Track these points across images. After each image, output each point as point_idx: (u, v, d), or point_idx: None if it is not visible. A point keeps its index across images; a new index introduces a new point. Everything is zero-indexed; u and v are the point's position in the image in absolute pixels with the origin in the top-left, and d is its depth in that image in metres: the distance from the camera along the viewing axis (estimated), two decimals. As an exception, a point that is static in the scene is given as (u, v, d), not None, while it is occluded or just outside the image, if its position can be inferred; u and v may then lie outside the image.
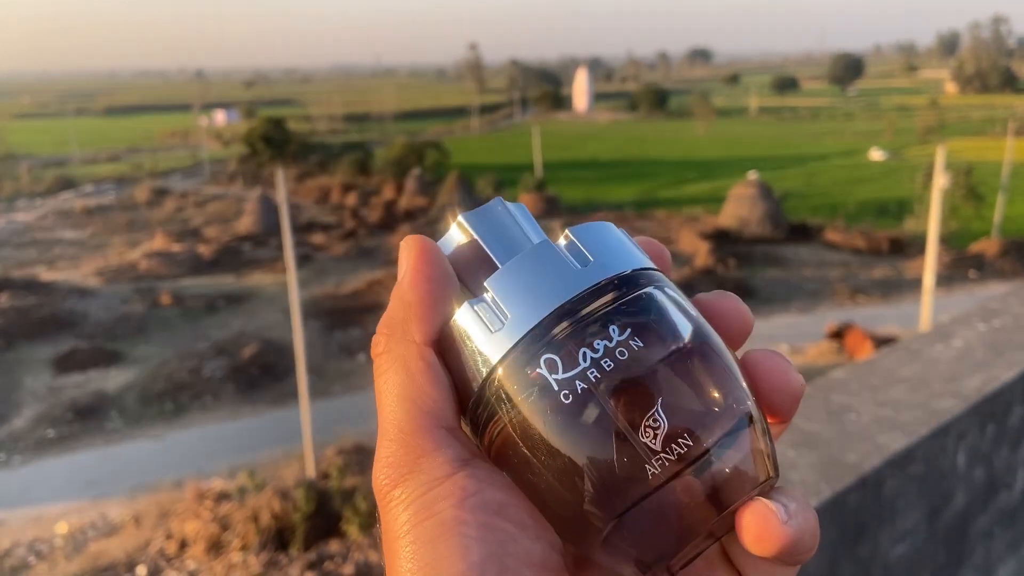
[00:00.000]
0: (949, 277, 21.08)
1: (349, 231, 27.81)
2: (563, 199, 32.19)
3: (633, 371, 0.36)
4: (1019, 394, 2.16)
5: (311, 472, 11.52)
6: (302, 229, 27.28)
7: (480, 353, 0.38)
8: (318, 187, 36.49)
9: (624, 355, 0.36)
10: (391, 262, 23.29)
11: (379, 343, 0.41)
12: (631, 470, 0.35)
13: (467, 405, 0.40)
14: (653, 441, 0.35)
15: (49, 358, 17.20)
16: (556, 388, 0.36)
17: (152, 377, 15.98)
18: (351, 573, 9.42)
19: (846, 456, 1.70)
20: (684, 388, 0.36)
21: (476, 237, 0.42)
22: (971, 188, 27.07)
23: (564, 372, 0.36)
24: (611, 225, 0.42)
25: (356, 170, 38.36)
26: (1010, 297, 2.76)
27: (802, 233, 26.46)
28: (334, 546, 10.08)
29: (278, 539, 10.17)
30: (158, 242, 27.14)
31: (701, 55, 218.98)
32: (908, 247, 24.34)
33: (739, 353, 0.40)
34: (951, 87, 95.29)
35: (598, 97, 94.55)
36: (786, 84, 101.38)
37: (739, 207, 27.05)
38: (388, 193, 34.23)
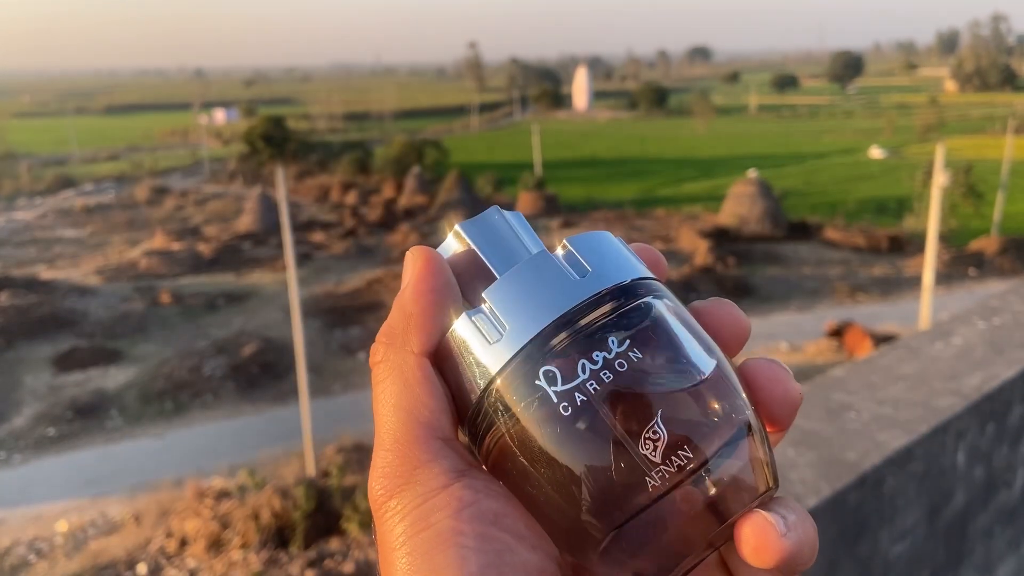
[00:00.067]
0: (948, 275, 21.08)
1: (349, 230, 27.80)
2: (563, 198, 32.18)
3: (632, 383, 0.36)
4: (1019, 392, 2.17)
5: (311, 470, 11.52)
6: (302, 228, 27.28)
7: (478, 364, 0.38)
8: (318, 186, 36.49)
9: (623, 367, 0.36)
10: (391, 261, 23.30)
11: (378, 352, 0.41)
12: (631, 482, 0.35)
13: (465, 415, 0.39)
14: (653, 453, 0.35)
15: (49, 357, 17.20)
16: (555, 400, 0.36)
17: (152, 376, 15.99)
18: (351, 571, 9.43)
19: (846, 454, 1.70)
20: (683, 399, 0.36)
21: (473, 247, 0.41)
22: (971, 186, 27.08)
23: (563, 384, 0.36)
24: (609, 234, 0.41)
25: (356, 169, 38.35)
26: (1010, 295, 2.76)
27: (802, 231, 26.45)
28: (334, 544, 10.09)
29: (278, 537, 10.18)
30: (158, 241, 27.13)
31: (701, 53, 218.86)
32: (907, 245, 24.34)
33: (738, 358, 0.41)
34: (951, 85, 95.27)
35: (598, 96, 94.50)
36: (786, 82, 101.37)
37: (739, 205, 27.04)
38: (388, 192, 34.23)
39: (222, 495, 11.07)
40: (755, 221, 26.45)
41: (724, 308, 0.42)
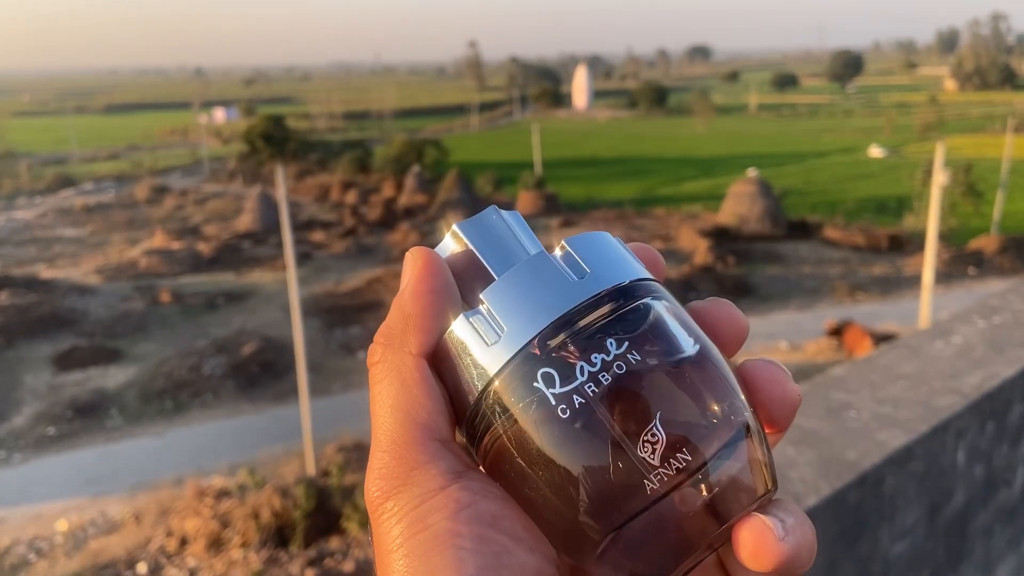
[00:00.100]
0: (948, 274, 21.08)
1: (349, 229, 27.80)
2: (562, 197, 32.17)
3: (631, 385, 0.36)
4: (1019, 391, 2.17)
5: (311, 469, 11.53)
6: (302, 227, 27.28)
7: (476, 365, 0.38)
8: (318, 185, 36.49)
9: (622, 369, 0.36)
10: (391, 260, 23.30)
11: (375, 352, 0.41)
12: (629, 484, 0.35)
13: (463, 417, 0.39)
14: (652, 456, 0.35)
15: (49, 356, 17.20)
16: (553, 402, 0.36)
17: (152, 375, 15.99)
18: (351, 570, 9.43)
19: (846, 454, 1.70)
20: (683, 401, 0.36)
21: (471, 247, 0.41)
22: (970, 185, 27.08)
23: (561, 386, 0.36)
24: (607, 235, 0.41)
25: (356, 168, 38.35)
26: (1010, 294, 2.76)
27: (801, 230, 26.46)
28: (334, 543, 10.10)
29: (278, 536, 10.18)
30: (158, 240, 27.13)
31: (701, 52, 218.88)
32: (907, 244, 24.34)
33: (736, 358, 0.41)
34: (950, 84, 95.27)
35: (597, 95, 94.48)
36: (786, 81, 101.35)
37: (738, 204, 27.05)
38: (388, 191, 34.22)
39: (222, 494, 11.07)
40: (755, 220, 26.46)
41: (722, 308, 0.42)
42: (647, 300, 0.39)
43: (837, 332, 16.43)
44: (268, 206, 28.21)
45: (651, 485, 0.35)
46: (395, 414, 0.38)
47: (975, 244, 23.58)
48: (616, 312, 0.38)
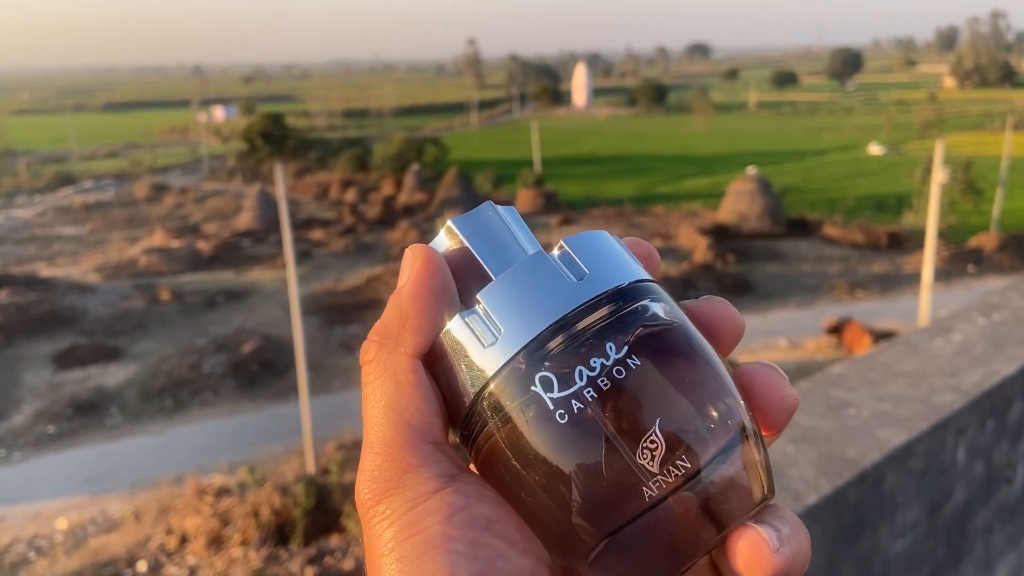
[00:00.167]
0: (947, 272, 21.10)
1: (348, 227, 27.81)
2: (562, 195, 32.17)
3: (630, 391, 0.35)
4: (1019, 389, 2.17)
5: (311, 467, 11.53)
6: (301, 225, 27.28)
7: (472, 367, 0.37)
8: (317, 183, 36.49)
9: (621, 374, 0.35)
10: (390, 258, 23.30)
11: (369, 350, 0.40)
12: (627, 490, 0.35)
13: (457, 418, 0.39)
14: (651, 463, 0.35)
15: (49, 354, 17.21)
16: (551, 407, 0.35)
17: (152, 373, 15.99)
18: (351, 568, 9.44)
19: (846, 451, 1.70)
20: (682, 407, 0.36)
21: (467, 244, 0.40)
22: (970, 183, 27.09)
23: (560, 391, 0.35)
24: (606, 234, 0.40)
25: (355, 166, 38.35)
26: (1010, 291, 2.76)
27: (801, 228, 26.47)
28: (334, 541, 10.10)
29: (278, 534, 10.19)
30: (157, 238, 27.13)
31: (700, 50, 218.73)
32: (907, 242, 24.35)
33: (736, 357, 0.41)
34: (950, 82, 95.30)
35: (597, 92, 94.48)
36: (785, 79, 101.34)
37: (738, 202, 27.05)
38: (387, 189, 34.24)
39: (222, 492, 11.08)
40: (754, 218, 26.46)
41: (718, 306, 0.41)
42: (646, 303, 0.38)
43: (836, 330, 16.44)
44: (267, 204, 28.21)
45: (649, 492, 0.35)
46: (388, 415, 0.38)
47: (974, 242, 23.59)
48: (615, 315, 0.37)
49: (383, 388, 0.38)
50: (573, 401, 0.35)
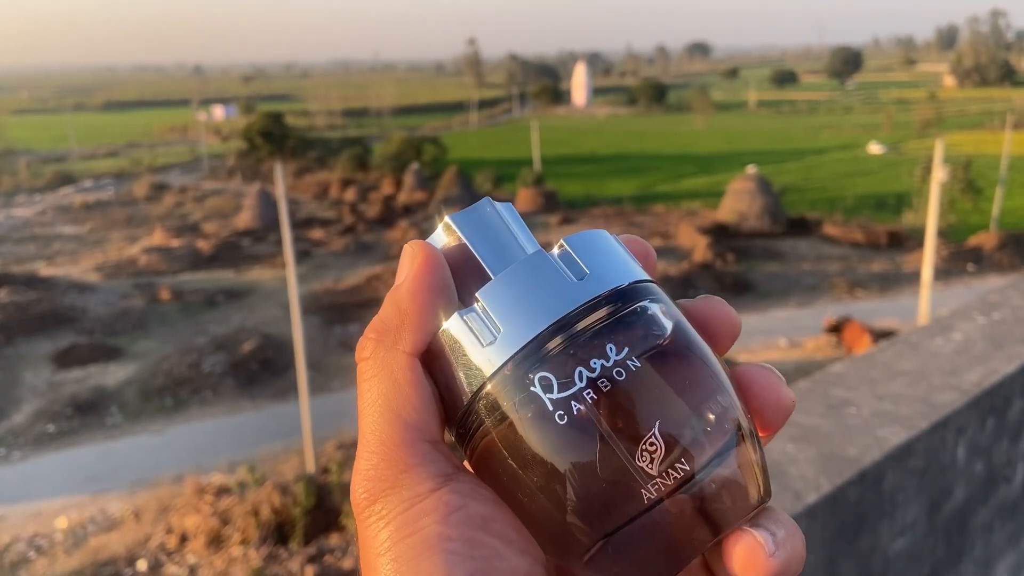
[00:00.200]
0: (947, 271, 21.10)
1: (348, 226, 27.81)
2: (562, 194, 32.18)
3: (631, 393, 0.35)
4: (1019, 387, 2.17)
5: (311, 467, 11.53)
6: (301, 224, 27.28)
7: (470, 366, 0.37)
8: (317, 182, 36.50)
9: (622, 375, 0.35)
10: (390, 257, 23.30)
11: (366, 347, 0.39)
12: (625, 493, 0.35)
13: (453, 417, 0.39)
14: (650, 465, 0.34)
15: (48, 353, 17.21)
16: (551, 408, 0.35)
17: (152, 372, 15.99)
18: (351, 567, 9.44)
19: (846, 450, 1.70)
20: (682, 410, 0.35)
21: (465, 241, 0.40)
22: (969, 181, 27.10)
23: (559, 391, 0.35)
24: (605, 233, 0.40)
25: (354, 165, 38.36)
26: (1009, 290, 2.76)
27: (800, 227, 26.47)
28: (334, 540, 10.11)
29: (278, 533, 10.19)
30: (157, 237, 27.14)
31: (700, 49, 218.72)
32: (906, 241, 24.36)
33: (735, 356, 0.41)
34: (949, 80, 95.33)
35: (597, 91, 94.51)
36: (785, 78, 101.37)
37: (738, 201, 27.06)
38: (387, 188, 34.24)
39: (222, 491, 11.08)
40: (754, 217, 26.47)
41: (715, 305, 0.41)
42: (647, 303, 0.38)
43: (836, 329, 16.45)
44: (267, 203, 28.21)
45: (648, 494, 0.35)
46: (386, 415, 0.37)
47: (974, 240, 23.60)
48: (615, 315, 0.37)
49: (380, 386, 0.38)
50: (573, 402, 0.35)
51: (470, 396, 0.37)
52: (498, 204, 0.42)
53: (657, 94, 77.12)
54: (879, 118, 56.70)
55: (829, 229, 25.75)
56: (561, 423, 0.35)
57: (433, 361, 0.39)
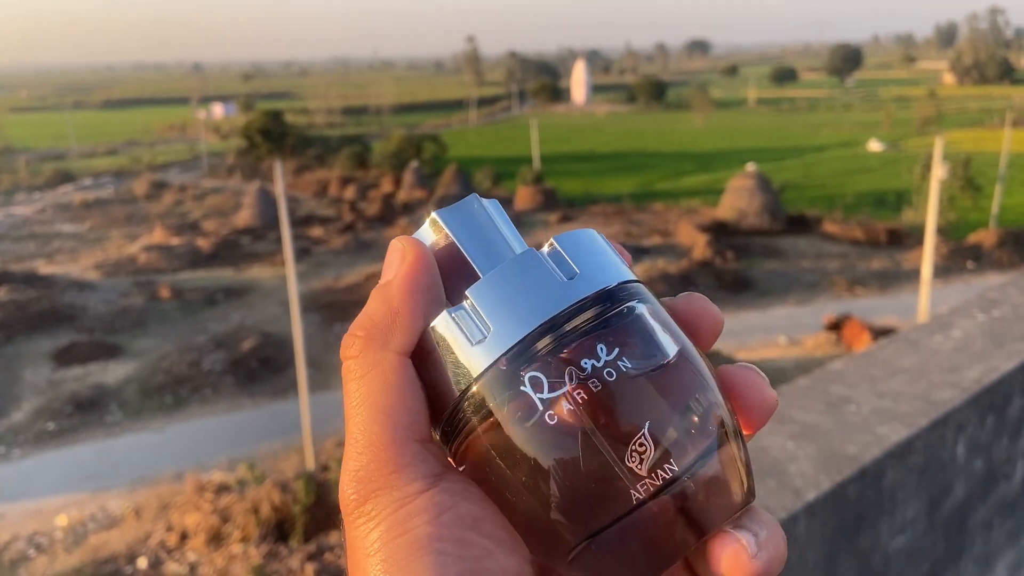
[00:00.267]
0: (947, 268, 21.09)
1: (347, 224, 27.80)
2: (561, 192, 32.15)
3: (620, 394, 0.35)
4: (1019, 385, 2.17)
5: (311, 464, 11.54)
6: (300, 222, 27.28)
7: (459, 364, 0.37)
8: (316, 180, 36.47)
9: (612, 376, 0.35)
10: (389, 255, 23.27)
11: (354, 345, 0.39)
12: (614, 494, 0.35)
13: (440, 416, 0.38)
14: (639, 467, 0.34)
15: (48, 351, 17.21)
16: (540, 407, 0.35)
17: (152, 370, 15.99)
18: (351, 565, 9.43)
19: (846, 447, 1.71)
20: (671, 411, 0.35)
21: (453, 238, 0.40)
22: (969, 179, 27.09)
23: (549, 391, 0.35)
24: (594, 232, 0.40)
25: (354, 163, 38.34)
26: (1009, 287, 2.76)
27: (800, 225, 26.46)
28: (334, 538, 10.11)
29: (278, 531, 10.19)
30: (157, 235, 27.13)
31: (699, 47, 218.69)
32: (906, 238, 24.35)
33: (729, 353, 0.41)
34: (949, 78, 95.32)
35: (596, 89, 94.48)
36: (784, 75, 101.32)
37: (737, 199, 27.04)
38: (386, 186, 34.23)
39: (222, 489, 11.08)
40: (754, 215, 26.46)
41: (698, 302, 0.41)
42: (637, 304, 0.38)
43: (836, 326, 16.45)
44: (267, 202, 28.20)
45: (636, 495, 0.34)
46: (376, 415, 0.37)
47: (973, 238, 23.60)
48: (605, 315, 0.36)
49: (370, 385, 0.37)
50: (563, 402, 0.35)
51: (458, 394, 0.37)
52: (485, 200, 0.41)
53: (656, 92, 77.09)
54: (879, 116, 56.68)
55: (829, 227, 25.73)
56: (551, 423, 0.35)
57: (421, 359, 0.38)
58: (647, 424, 0.35)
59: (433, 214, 0.41)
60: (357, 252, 24.48)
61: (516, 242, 0.40)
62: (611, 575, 0.36)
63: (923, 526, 1.91)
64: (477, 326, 0.36)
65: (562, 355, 0.35)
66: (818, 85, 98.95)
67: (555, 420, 0.35)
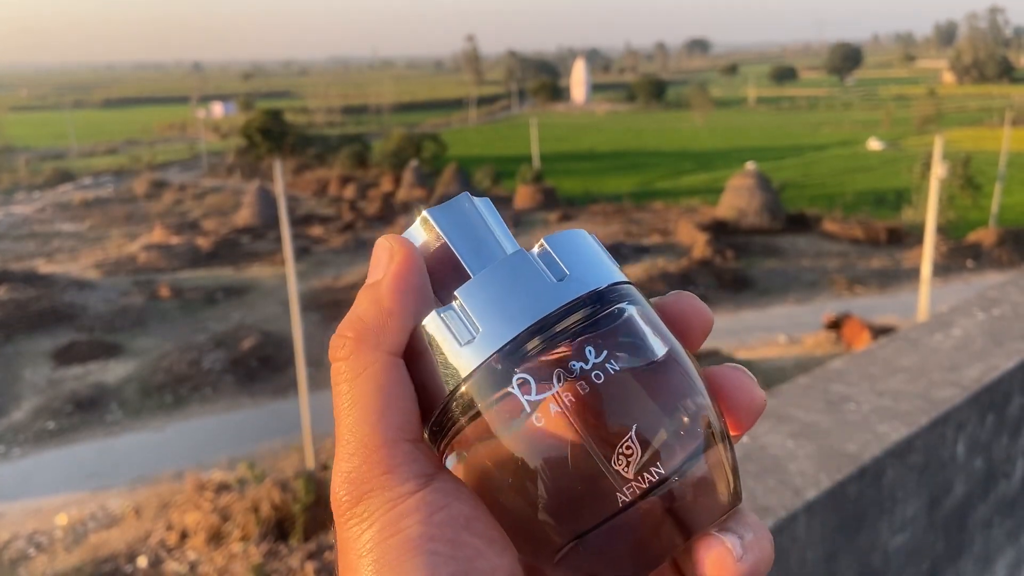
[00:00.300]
0: (946, 267, 21.10)
1: (347, 223, 27.81)
2: (561, 191, 32.16)
3: (609, 396, 0.35)
4: (1019, 383, 2.17)
5: (311, 463, 11.54)
6: (300, 222, 27.28)
7: (447, 365, 0.36)
8: (316, 179, 36.47)
9: (600, 378, 0.35)
10: (389, 254, 23.27)
11: (344, 346, 0.38)
12: (601, 495, 0.34)
13: (428, 416, 0.38)
14: (626, 469, 0.34)
15: (48, 351, 17.21)
16: (528, 409, 0.35)
17: (151, 369, 16.00)
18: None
19: (845, 446, 1.71)
20: (659, 413, 0.35)
21: (444, 237, 0.40)
22: (968, 178, 27.09)
23: (537, 393, 0.35)
24: (585, 233, 0.40)
25: (354, 162, 38.35)
26: (1009, 286, 2.76)
27: (800, 223, 26.46)
28: (334, 536, 10.10)
29: (278, 530, 10.20)
30: (157, 235, 27.14)
31: (699, 46, 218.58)
32: (906, 237, 24.36)
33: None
34: (948, 77, 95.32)
35: (596, 88, 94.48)
36: (784, 74, 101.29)
37: (737, 198, 27.04)
38: (386, 185, 34.24)
39: (222, 488, 11.09)
40: (753, 214, 26.46)
41: (688, 301, 0.41)
42: (627, 306, 0.37)
43: (836, 325, 16.45)
44: (266, 201, 28.20)
45: (623, 497, 0.34)
46: (368, 416, 0.37)
47: (973, 237, 23.61)
48: (595, 317, 0.36)
49: (362, 387, 0.37)
50: (551, 404, 0.35)
51: (447, 395, 0.37)
52: (476, 199, 0.41)
53: (656, 91, 77.07)
54: (878, 114, 56.68)
55: (828, 225, 25.74)
56: (539, 424, 0.35)
57: (411, 359, 0.38)
58: (635, 426, 0.35)
59: (424, 212, 0.41)
60: (357, 251, 24.48)
61: (507, 242, 0.40)
62: (597, 572, 0.36)
63: (923, 525, 1.91)
64: (466, 327, 0.36)
65: (550, 357, 0.35)
66: (818, 84, 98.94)
67: (542, 422, 0.35)
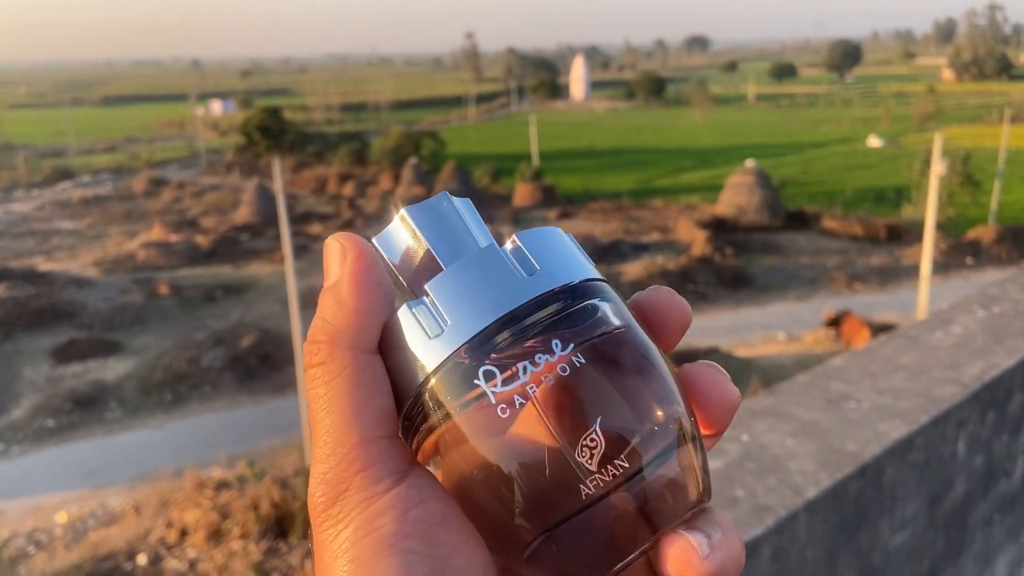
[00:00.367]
0: (946, 264, 21.10)
1: (346, 221, 27.80)
2: (560, 188, 32.15)
3: (573, 388, 0.35)
4: (1019, 381, 2.17)
5: (310, 461, 11.54)
6: (299, 219, 27.28)
7: (416, 358, 0.37)
8: (315, 177, 36.48)
9: (565, 371, 0.35)
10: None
11: (319, 352, 0.38)
12: (564, 488, 0.35)
13: (400, 410, 0.38)
14: (589, 461, 0.34)
15: (48, 348, 17.21)
16: (494, 401, 0.35)
17: (151, 367, 15.99)
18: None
19: (845, 444, 1.70)
20: (623, 407, 0.35)
21: (419, 234, 0.40)
22: (968, 175, 27.11)
23: (503, 385, 0.35)
24: (559, 231, 0.40)
25: (353, 160, 38.35)
26: (1009, 283, 2.75)
27: (799, 221, 26.47)
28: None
29: (278, 527, 10.20)
30: (156, 232, 27.14)
31: (699, 43, 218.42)
32: (905, 234, 24.38)
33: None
34: (948, 74, 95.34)
35: (595, 86, 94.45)
36: (784, 71, 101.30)
37: (736, 195, 27.04)
38: (385, 183, 34.23)
39: (221, 486, 11.09)
40: (753, 211, 26.46)
41: (666, 296, 0.41)
42: (595, 301, 0.37)
43: (835, 323, 16.46)
44: (265, 198, 28.19)
45: (586, 490, 0.34)
46: (344, 416, 0.36)
47: (972, 234, 23.62)
48: (563, 312, 0.36)
49: (338, 388, 0.37)
50: (516, 396, 0.35)
51: (415, 389, 0.37)
52: (456, 199, 0.41)
53: (656, 88, 77.06)
54: (878, 112, 56.67)
55: (828, 223, 25.74)
56: (503, 416, 0.35)
57: (384, 354, 0.38)
58: (599, 420, 0.35)
59: (402, 211, 0.41)
60: (356, 249, 24.46)
61: (484, 239, 0.40)
62: (565, 569, 0.36)
63: (923, 523, 1.91)
64: (435, 320, 0.36)
65: (518, 350, 0.35)
66: (817, 81, 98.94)
67: (507, 414, 0.35)
